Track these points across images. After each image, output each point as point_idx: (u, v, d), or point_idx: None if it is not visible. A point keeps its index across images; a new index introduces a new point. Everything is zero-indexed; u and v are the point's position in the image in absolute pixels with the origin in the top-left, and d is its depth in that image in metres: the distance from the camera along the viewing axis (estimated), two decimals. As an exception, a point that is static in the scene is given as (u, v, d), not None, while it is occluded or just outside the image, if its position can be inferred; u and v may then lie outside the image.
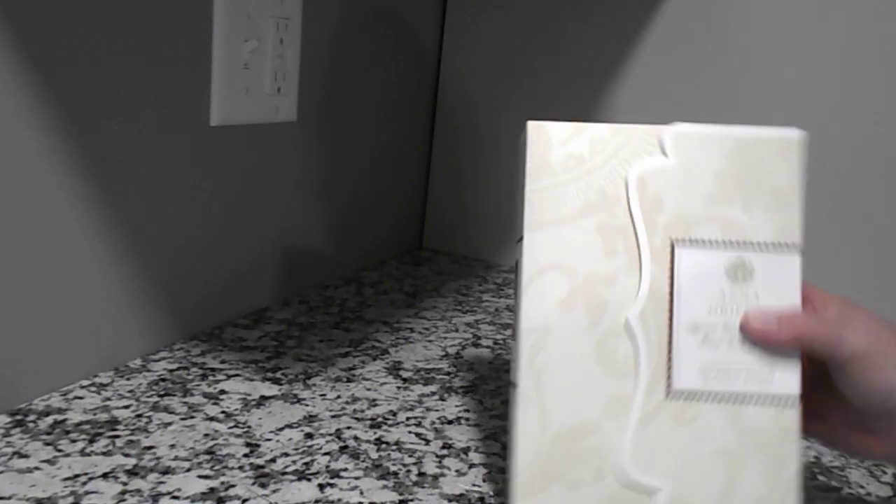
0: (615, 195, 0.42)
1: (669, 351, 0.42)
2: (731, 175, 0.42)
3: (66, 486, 0.42)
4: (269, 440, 0.49)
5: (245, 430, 0.50)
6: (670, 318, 0.42)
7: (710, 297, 0.42)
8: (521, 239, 0.43)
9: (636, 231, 0.42)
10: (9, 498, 0.41)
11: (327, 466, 0.47)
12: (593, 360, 0.42)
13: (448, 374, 0.62)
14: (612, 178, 0.42)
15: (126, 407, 0.51)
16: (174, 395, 0.54)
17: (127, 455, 0.46)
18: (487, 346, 0.69)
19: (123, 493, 0.42)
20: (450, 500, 0.45)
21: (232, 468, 0.46)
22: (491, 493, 0.46)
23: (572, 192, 0.42)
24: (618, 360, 0.42)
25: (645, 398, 0.42)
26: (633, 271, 0.42)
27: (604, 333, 0.42)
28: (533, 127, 0.42)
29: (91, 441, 0.47)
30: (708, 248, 0.42)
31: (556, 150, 0.42)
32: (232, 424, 0.51)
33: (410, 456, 0.49)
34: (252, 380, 0.57)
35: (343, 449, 0.49)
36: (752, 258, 0.42)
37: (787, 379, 0.41)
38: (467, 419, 0.55)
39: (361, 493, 0.45)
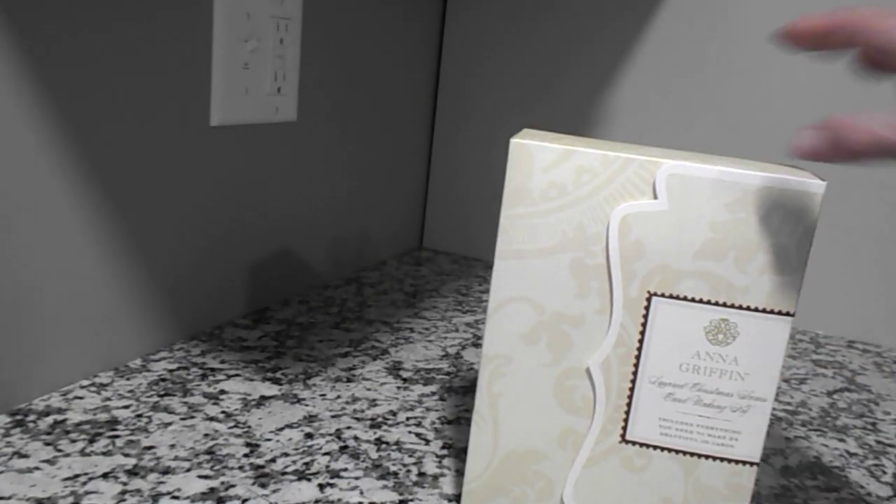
0: (595, 234, 0.38)
1: (629, 401, 0.40)
2: (730, 227, 0.37)
3: (66, 486, 0.42)
4: (269, 440, 0.49)
5: (245, 430, 0.50)
6: (635, 370, 0.39)
7: (684, 356, 0.39)
8: None
9: (611, 278, 0.38)
10: (9, 498, 0.41)
11: (327, 466, 0.47)
12: (551, 395, 0.40)
13: (448, 374, 0.62)
14: (594, 215, 0.38)
15: (126, 407, 0.51)
16: (174, 395, 0.54)
17: (127, 455, 0.46)
18: (487, 346, 0.69)
19: (123, 493, 0.42)
20: (450, 500, 0.45)
21: (232, 468, 0.46)
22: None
23: (550, 223, 0.38)
24: (575, 399, 0.40)
25: (597, 440, 0.40)
26: (603, 316, 0.39)
27: (564, 372, 0.40)
28: (515, 147, 0.38)
29: (91, 441, 0.47)
30: (690, 305, 0.38)
31: (538, 177, 0.38)
32: (232, 424, 0.51)
33: (410, 456, 0.49)
34: (252, 380, 0.57)
35: (343, 449, 0.49)
36: (737, 322, 0.38)
37: (751, 444, 0.39)
38: (467, 419, 0.55)
39: (361, 493, 0.45)
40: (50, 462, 0.44)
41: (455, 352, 0.67)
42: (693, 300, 0.38)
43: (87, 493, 0.42)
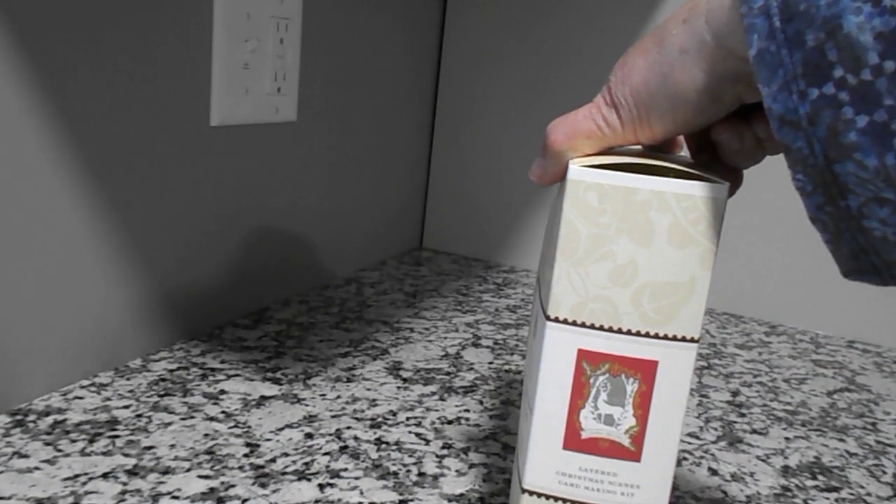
0: None
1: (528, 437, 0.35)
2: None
3: (66, 486, 0.42)
4: (269, 440, 0.49)
5: (245, 430, 0.50)
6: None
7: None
8: None
9: None
10: (9, 498, 0.41)
11: (327, 466, 0.47)
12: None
13: (448, 374, 0.62)
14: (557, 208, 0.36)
15: (126, 407, 0.51)
16: (174, 395, 0.54)
17: (127, 455, 0.46)
18: (487, 346, 0.69)
19: (123, 493, 0.42)
20: (450, 500, 0.45)
21: (232, 468, 0.46)
22: (491, 493, 0.46)
23: None
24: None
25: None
26: None
27: None
28: None
29: (91, 441, 0.47)
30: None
31: None
32: (232, 424, 0.51)
33: (410, 456, 0.49)
34: (252, 380, 0.57)
35: (343, 449, 0.49)
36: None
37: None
38: (467, 419, 0.55)
39: (361, 493, 0.45)
40: (50, 462, 0.44)
41: (455, 352, 0.67)
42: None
43: (87, 493, 0.42)
